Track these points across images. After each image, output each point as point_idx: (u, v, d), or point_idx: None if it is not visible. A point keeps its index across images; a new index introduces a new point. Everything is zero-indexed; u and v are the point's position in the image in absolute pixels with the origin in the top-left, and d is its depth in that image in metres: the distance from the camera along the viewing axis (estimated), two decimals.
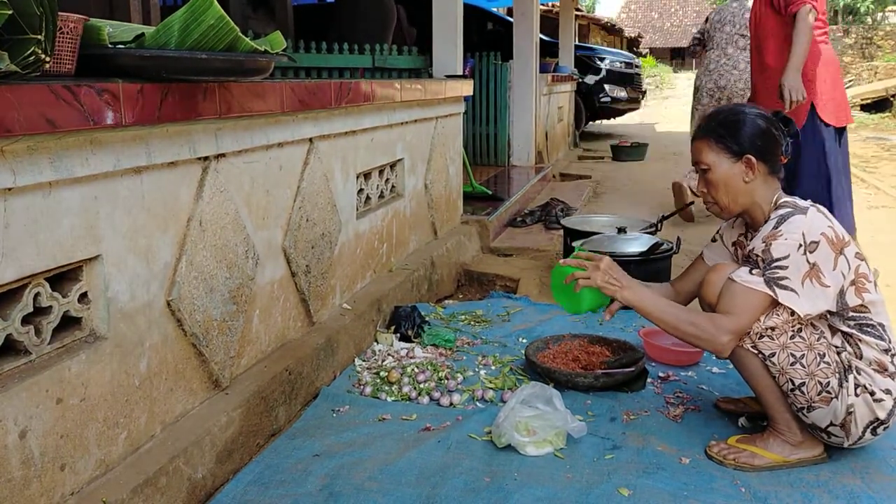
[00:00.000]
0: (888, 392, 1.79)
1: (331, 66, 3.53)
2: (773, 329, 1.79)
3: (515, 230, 4.77)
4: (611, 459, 1.93)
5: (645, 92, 12.57)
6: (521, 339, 2.82)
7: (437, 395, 2.31)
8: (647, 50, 40.45)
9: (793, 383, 1.80)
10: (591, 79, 10.52)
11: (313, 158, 2.42)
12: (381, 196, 3.16)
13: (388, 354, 2.65)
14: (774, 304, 1.79)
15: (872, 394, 1.78)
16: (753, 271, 1.81)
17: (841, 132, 3.64)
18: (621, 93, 10.73)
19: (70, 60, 1.43)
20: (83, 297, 1.52)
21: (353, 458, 1.92)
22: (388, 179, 3.22)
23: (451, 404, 2.27)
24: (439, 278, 3.54)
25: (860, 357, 1.81)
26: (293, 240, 2.31)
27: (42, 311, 1.43)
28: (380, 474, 1.84)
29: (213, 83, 1.74)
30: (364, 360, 2.60)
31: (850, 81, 16.53)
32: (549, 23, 12.04)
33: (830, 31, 13.28)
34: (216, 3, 1.54)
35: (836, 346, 1.82)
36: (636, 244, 3.23)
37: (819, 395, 1.79)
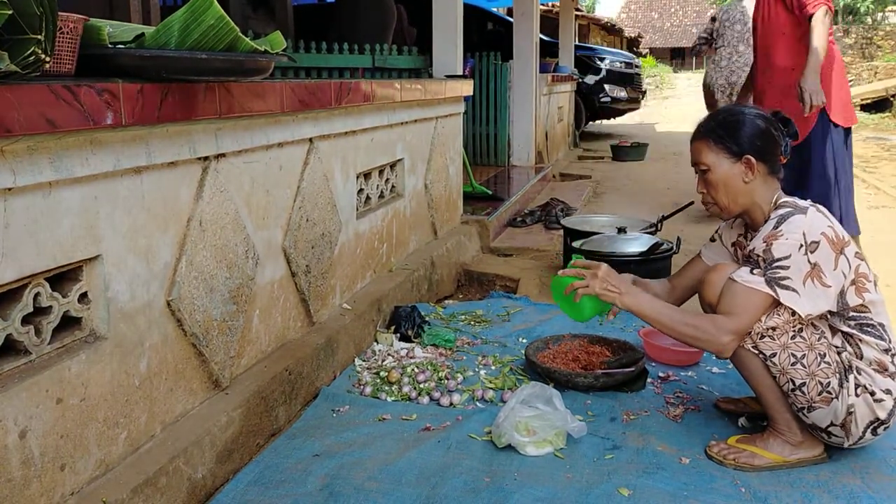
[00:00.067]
0: (888, 392, 1.79)
1: (331, 66, 3.53)
2: (773, 329, 1.79)
3: (515, 230, 4.77)
4: (611, 459, 1.93)
5: (645, 92, 12.57)
6: (521, 339, 2.82)
7: (437, 395, 2.31)
8: (647, 50, 40.46)
9: (793, 383, 1.80)
10: (591, 79, 10.52)
11: (313, 158, 2.42)
12: (381, 196, 3.16)
13: (388, 354, 2.65)
14: (775, 304, 1.78)
15: (873, 394, 1.78)
16: (754, 271, 1.81)
17: (847, 132, 3.65)
18: (621, 93, 10.73)
19: (70, 60, 1.43)
20: (83, 297, 1.52)
21: (353, 458, 1.92)
22: (388, 179, 3.22)
23: (451, 404, 2.27)
24: (439, 278, 3.54)
25: (860, 357, 1.81)
26: (293, 240, 2.31)
27: (42, 311, 1.43)
28: (380, 474, 1.84)
29: (213, 83, 1.75)
30: (364, 360, 2.60)
31: (850, 81, 16.48)
32: (549, 23, 12.04)
33: None
34: (216, 3, 1.54)
35: (837, 347, 1.82)
36: (636, 244, 3.23)
37: (820, 395, 1.79)
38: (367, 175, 2.98)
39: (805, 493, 1.76)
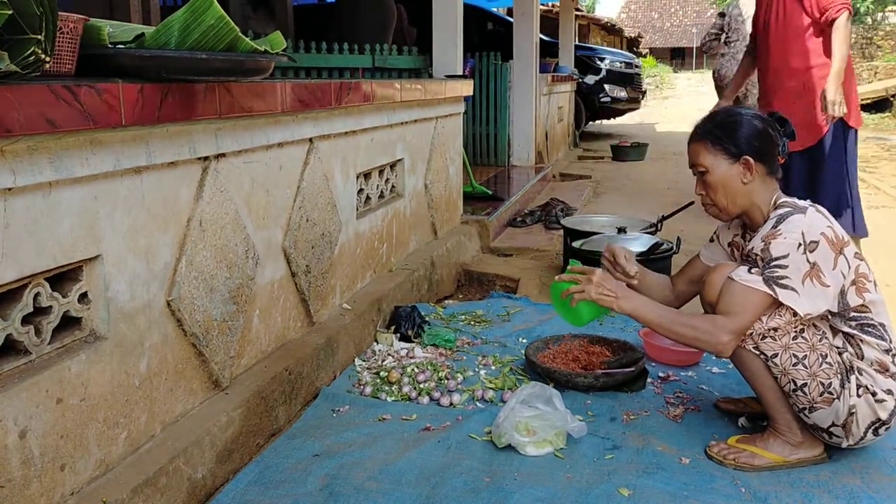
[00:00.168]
0: (890, 392, 1.79)
1: (331, 66, 3.53)
2: (775, 330, 1.79)
3: (515, 230, 4.77)
4: (611, 459, 1.93)
5: (645, 92, 12.57)
6: (521, 339, 2.82)
7: (437, 395, 2.31)
8: (647, 50, 40.46)
9: (795, 384, 1.80)
10: (591, 79, 10.52)
11: (313, 158, 2.42)
12: (381, 196, 3.16)
13: (388, 354, 2.65)
14: (776, 304, 1.78)
15: (874, 394, 1.78)
16: (752, 270, 1.81)
17: (855, 134, 3.66)
18: (621, 93, 10.73)
19: (70, 60, 1.43)
20: (83, 297, 1.52)
21: (353, 458, 1.92)
22: (388, 179, 3.22)
23: (451, 404, 2.27)
24: (439, 278, 3.54)
25: (861, 357, 1.81)
26: (293, 240, 2.31)
27: (42, 311, 1.43)
28: (380, 474, 1.84)
29: (213, 83, 1.74)
30: (364, 360, 2.60)
31: None
32: (549, 23, 12.04)
33: None
34: (216, 3, 1.54)
35: (838, 347, 1.82)
36: (636, 244, 3.23)
37: (821, 395, 1.79)
38: (367, 175, 2.98)
39: (805, 493, 1.76)
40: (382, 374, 2.45)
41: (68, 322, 1.50)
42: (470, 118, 6.71)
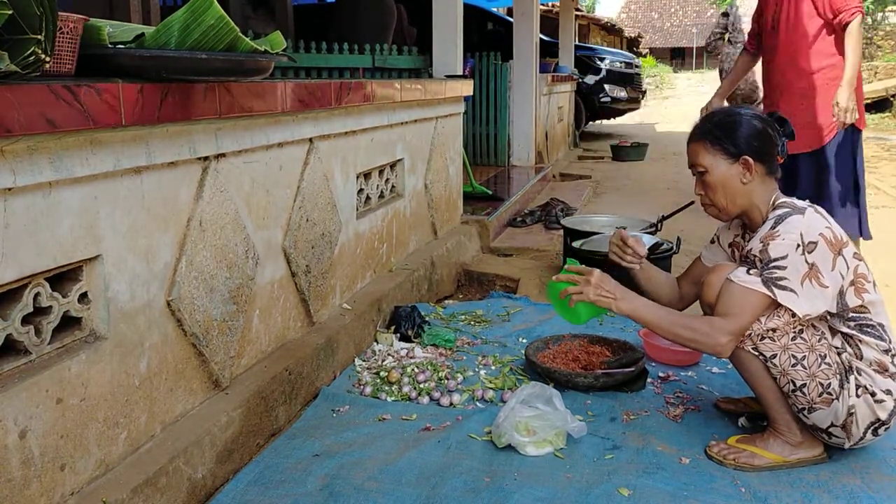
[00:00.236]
0: (889, 392, 1.79)
1: (331, 66, 3.53)
2: (774, 331, 1.79)
3: (515, 230, 4.77)
4: (611, 459, 1.93)
5: (645, 92, 12.57)
6: (521, 339, 2.82)
7: (437, 395, 2.31)
8: (647, 50, 40.47)
9: (794, 384, 1.80)
10: (591, 79, 10.52)
11: (313, 158, 2.42)
12: (381, 196, 3.16)
13: (388, 354, 2.65)
14: (774, 305, 1.78)
15: (873, 394, 1.78)
16: (751, 271, 1.81)
17: (861, 135, 3.67)
18: (621, 93, 10.73)
19: (70, 60, 1.43)
20: (83, 297, 1.52)
21: (353, 458, 1.92)
22: (388, 179, 3.22)
23: (451, 404, 2.27)
24: (439, 278, 3.54)
25: (861, 358, 1.81)
26: (293, 240, 2.31)
27: (42, 311, 1.43)
28: (380, 474, 1.84)
29: (213, 83, 1.74)
30: (364, 360, 2.60)
31: None
32: (549, 23, 12.04)
33: None
34: (216, 3, 1.54)
35: (837, 347, 1.82)
36: None
37: (820, 396, 1.79)
38: (367, 175, 2.98)
39: (805, 493, 1.76)
40: (382, 374, 2.45)
41: (68, 322, 1.50)
42: (470, 118, 6.71)
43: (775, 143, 1.93)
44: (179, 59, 1.52)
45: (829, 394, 1.78)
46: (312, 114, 2.35)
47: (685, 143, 2.02)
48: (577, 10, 14.32)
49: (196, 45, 1.54)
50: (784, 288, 1.76)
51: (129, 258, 1.60)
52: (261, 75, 1.76)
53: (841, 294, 1.80)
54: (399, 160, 3.30)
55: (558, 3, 10.47)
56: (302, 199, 2.35)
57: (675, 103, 21.05)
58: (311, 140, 2.40)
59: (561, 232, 4.06)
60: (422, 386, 2.36)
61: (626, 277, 2.14)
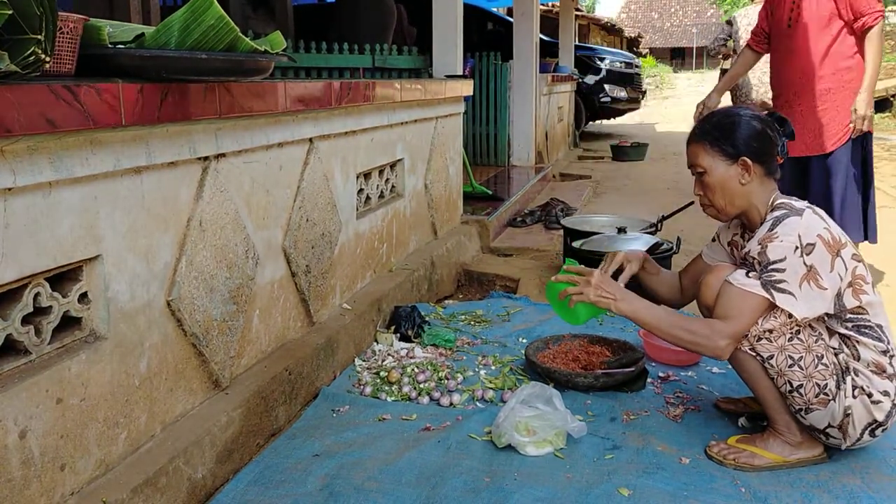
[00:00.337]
0: (886, 394, 1.79)
1: (331, 66, 3.53)
2: (770, 331, 1.79)
3: (515, 230, 4.77)
4: (611, 459, 1.93)
5: (645, 92, 12.57)
6: (521, 339, 2.82)
7: (437, 395, 2.31)
8: (647, 50, 40.47)
9: (791, 385, 1.80)
10: (591, 79, 10.52)
11: (313, 158, 2.42)
12: (381, 196, 3.16)
13: (388, 354, 2.65)
14: (772, 306, 1.78)
15: (870, 396, 1.78)
16: (750, 274, 1.81)
17: (871, 137, 3.69)
18: (621, 93, 10.73)
19: (70, 60, 1.43)
20: (83, 297, 1.52)
21: (353, 458, 1.92)
22: (388, 179, 3.22)
23: (451, 404, 2.27)
24: (439, 278, 3.54)
25: (858, 359, 1.81)
26: (293, 240, 2.31)
27: (42, 311, 1.43)
28: (380, 474, 1.84)
29: (213, 83, 1.74)
30: (364, 360, 2.60)
31: None
32: (549, 23, 12.04)
33: None
34: (216, 3, 1.54)
35: (834, 348, 1.82)
36: (636, 244, 3.22)
37: (817, 396, 1.79)
38: (367, 175, 2.98)
39: (805, 493, 1.76)
40: (382, 374, 2.45)
41: (68, 322, 1.50)
42: (470, 118, 6.71)
43: (775, 143, 1.93)
44: (179, 59, 1.52)
45: (826, 395, 1.78)
46: (312, 114, 2.35)
47: (685, 143, 2.02)
48: (577, 10, 14.32)
49: (196, 45, 1.54)
50: (783, 291, 1.75)
51: (129, 258, 1.60)
52: (261, 75, 1.76)
53: (839, 295, 1.80)
54: (399, 160, 3.30)
55: (558, 3, 10.47)
56: (302, 199, 2.35)
57: (675, 103, 21.05)
58: (311, 140, 2.40)
59: (561, 232, 4.06)
60: (422, 386, 2.36)
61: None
